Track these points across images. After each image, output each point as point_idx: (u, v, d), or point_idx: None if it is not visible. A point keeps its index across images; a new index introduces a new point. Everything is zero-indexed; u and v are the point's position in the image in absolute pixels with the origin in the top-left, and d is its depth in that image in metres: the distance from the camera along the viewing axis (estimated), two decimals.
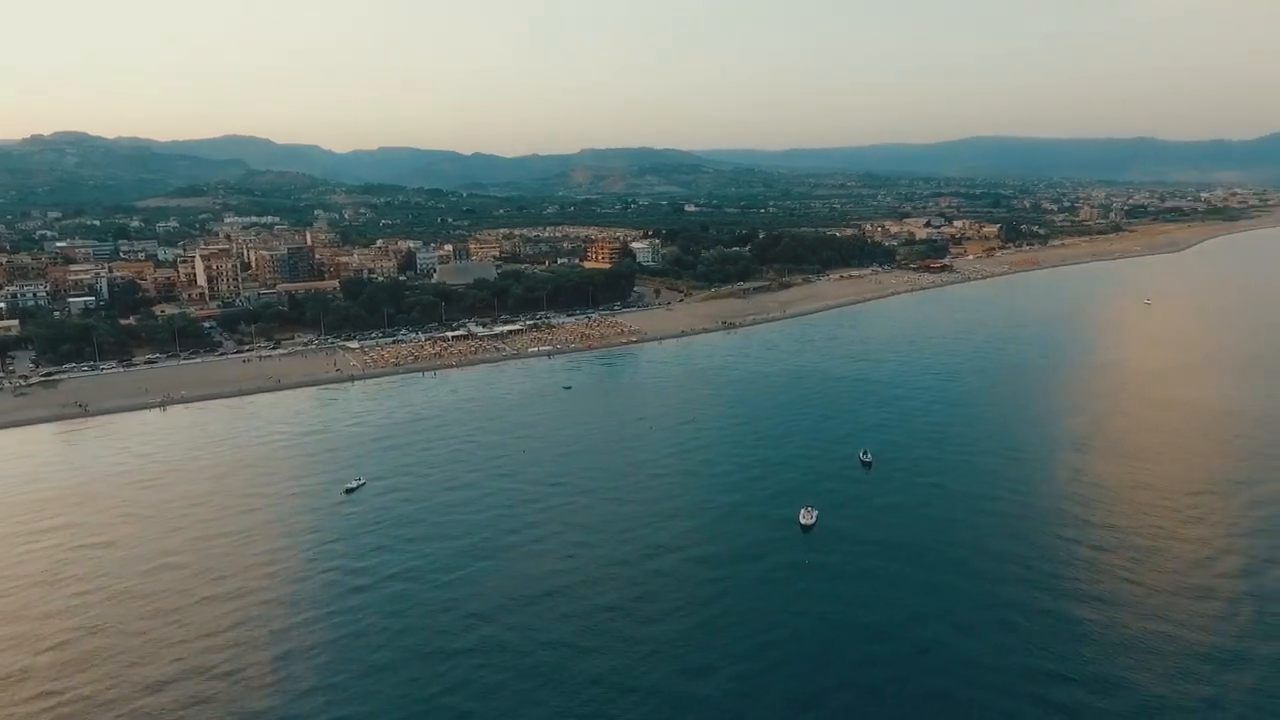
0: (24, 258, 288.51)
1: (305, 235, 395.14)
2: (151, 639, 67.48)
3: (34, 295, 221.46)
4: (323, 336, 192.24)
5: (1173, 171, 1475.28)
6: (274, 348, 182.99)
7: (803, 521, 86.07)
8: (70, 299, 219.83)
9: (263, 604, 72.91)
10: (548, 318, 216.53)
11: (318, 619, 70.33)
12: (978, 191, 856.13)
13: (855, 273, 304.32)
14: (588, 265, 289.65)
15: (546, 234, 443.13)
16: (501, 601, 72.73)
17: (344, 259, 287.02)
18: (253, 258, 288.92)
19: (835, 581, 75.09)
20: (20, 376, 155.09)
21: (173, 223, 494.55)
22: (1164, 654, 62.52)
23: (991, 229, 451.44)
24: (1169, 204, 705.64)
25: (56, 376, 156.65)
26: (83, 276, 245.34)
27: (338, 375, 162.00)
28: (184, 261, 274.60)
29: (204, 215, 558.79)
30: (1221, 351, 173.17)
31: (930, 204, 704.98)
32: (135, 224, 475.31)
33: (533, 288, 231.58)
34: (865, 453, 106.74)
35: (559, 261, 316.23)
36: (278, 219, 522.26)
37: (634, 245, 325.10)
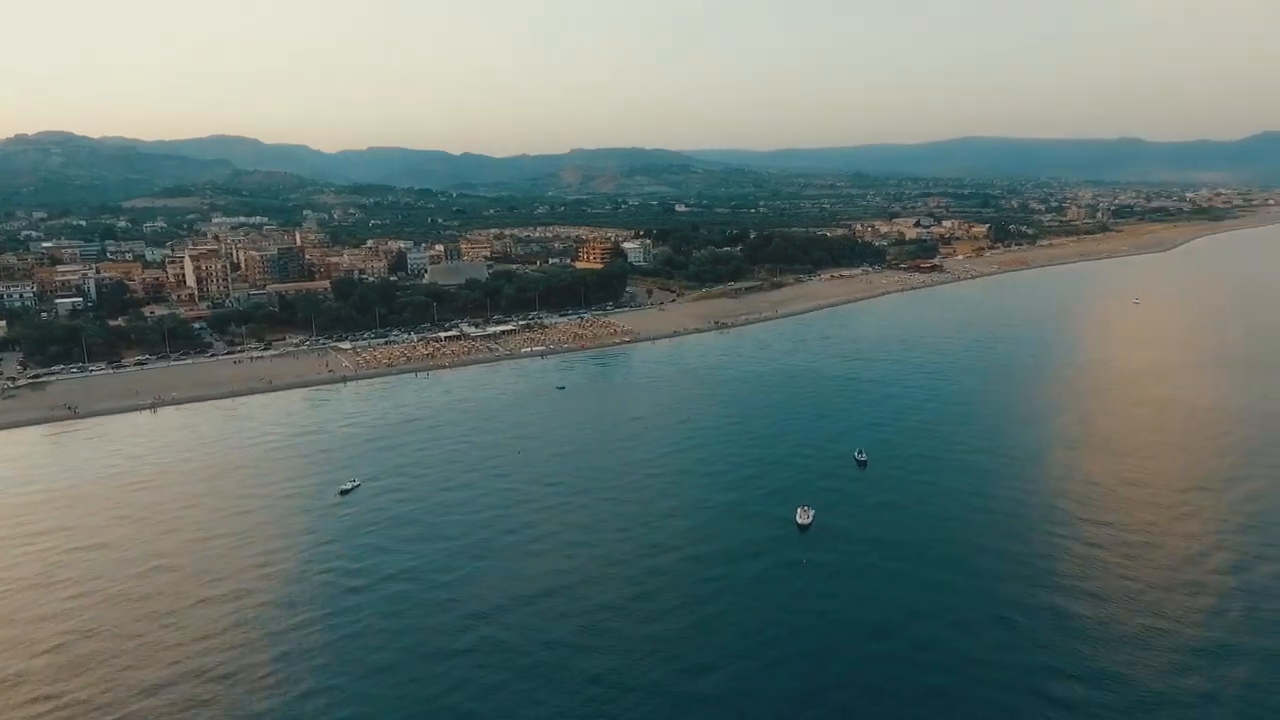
0: (9, 258, 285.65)
1: (294, 235, 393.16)
2: (148, 642, 67.02)
3: (20, 296, 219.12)
4: (314, 337, 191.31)
5: (1158, 171, 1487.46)
6: (265, 349, 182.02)
7: (799, 521, 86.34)
8: (58, 300, 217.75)
9: (259, 606, 72.55)
10: (540, 318, 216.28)
11: (315, 620, 70.04)
12: (966, 192, 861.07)
13: (846, 273, 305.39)
14: (579, 265, 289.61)
15: (537, 234, 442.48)
16: (500, 601, 72.64)
17: (334, 259, 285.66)
18: (242, 258, 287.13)
19: (833, 580, 75.41)
20: (8, 378, 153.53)
21: (160, 223, 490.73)
22: (1159, 649, 63.14)
23: (980, 229, 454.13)
24: (1155, 204, 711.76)
25: (45, 378, 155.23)
26: (70, 277, 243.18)
27: (330, 376, 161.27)
28: (172, 262, 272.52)
29: (191, 215, 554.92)
30: (1209, 350, 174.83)
31: (919, 204, 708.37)
32: (122, 224, 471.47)
33: (525, 288, 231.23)
34: (860, 452, 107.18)
35: (550, 262, 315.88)
36: (266, 219, 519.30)
37: (625, 245, 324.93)
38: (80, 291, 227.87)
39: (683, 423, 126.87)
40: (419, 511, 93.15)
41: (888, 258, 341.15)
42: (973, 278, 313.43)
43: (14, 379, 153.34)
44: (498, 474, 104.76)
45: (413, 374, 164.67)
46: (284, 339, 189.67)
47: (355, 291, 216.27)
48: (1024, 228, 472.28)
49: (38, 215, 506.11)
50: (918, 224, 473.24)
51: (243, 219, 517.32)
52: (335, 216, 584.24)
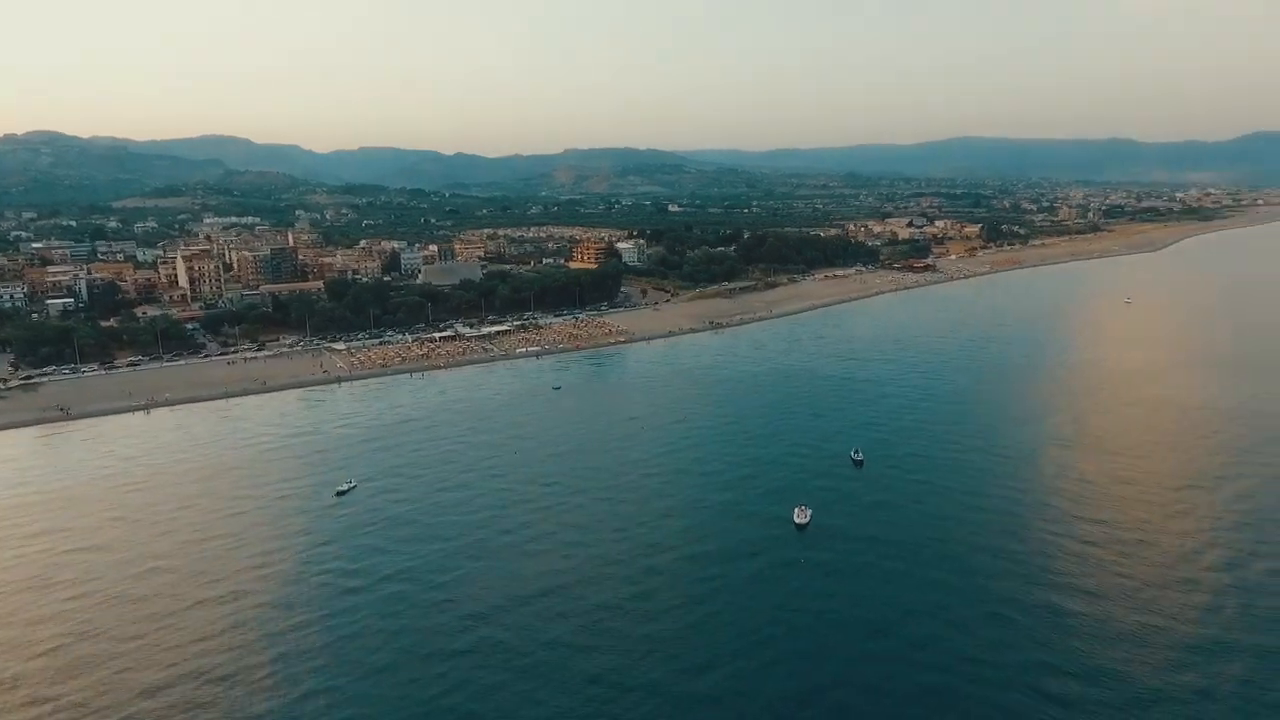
0: None
1: (287, 236, 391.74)
2: (146, 643, 66.73)
3: (11, 297, 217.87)
4: (308, 338, 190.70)
5: (1149, 172, 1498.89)
6: (259, 349, 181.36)
7: (797, 520, 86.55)
8: (49, 300, 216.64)
9: (257, 607, 72.34)
10: (535, 318, 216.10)
11: (313, 621, 69.87)
12: (958, 192, 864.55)
13: (840, 272, 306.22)
14: (573, 266, 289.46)
15: (531, 234, 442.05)
16: (499, 601, 72.62)
17: (327, 260, 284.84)
18: (234, 258, 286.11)
19: (830, 579, 75.64)
20: None
21: (151, 223, 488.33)
22: (1155, 645, 63.61)
23: (973, 229, 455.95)
24: (1145, 204, 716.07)
25: (36, 379, 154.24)
26: (61, 278, 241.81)
27: (324, 377, 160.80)
28: (164, 263, 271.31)
29: (183, 216, 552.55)
30: (1200, 350, 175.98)
31: (912, 204, 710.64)
32: (113, 224, 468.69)
33: (519, 288, 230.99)
34: (857, 451, 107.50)
35: (544, 262, 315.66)
36: (258, 219, 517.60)
37: (619, 245, 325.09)
38: (71, 292, 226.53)
39: (679, 422, 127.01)
40: (416, 512, 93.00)
41: (881, 258, 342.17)
42: (965, 277, 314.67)
43: (5, 380, 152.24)
44: (494, 474, 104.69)
45: (408, 375, 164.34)
46: (278, 339, 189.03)
47: (349, 292, 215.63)
48: (1016, 228, 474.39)
49: (27, 215, 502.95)
50: (911, 224, 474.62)
51: (235, 219, 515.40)
52: (328, 217, 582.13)
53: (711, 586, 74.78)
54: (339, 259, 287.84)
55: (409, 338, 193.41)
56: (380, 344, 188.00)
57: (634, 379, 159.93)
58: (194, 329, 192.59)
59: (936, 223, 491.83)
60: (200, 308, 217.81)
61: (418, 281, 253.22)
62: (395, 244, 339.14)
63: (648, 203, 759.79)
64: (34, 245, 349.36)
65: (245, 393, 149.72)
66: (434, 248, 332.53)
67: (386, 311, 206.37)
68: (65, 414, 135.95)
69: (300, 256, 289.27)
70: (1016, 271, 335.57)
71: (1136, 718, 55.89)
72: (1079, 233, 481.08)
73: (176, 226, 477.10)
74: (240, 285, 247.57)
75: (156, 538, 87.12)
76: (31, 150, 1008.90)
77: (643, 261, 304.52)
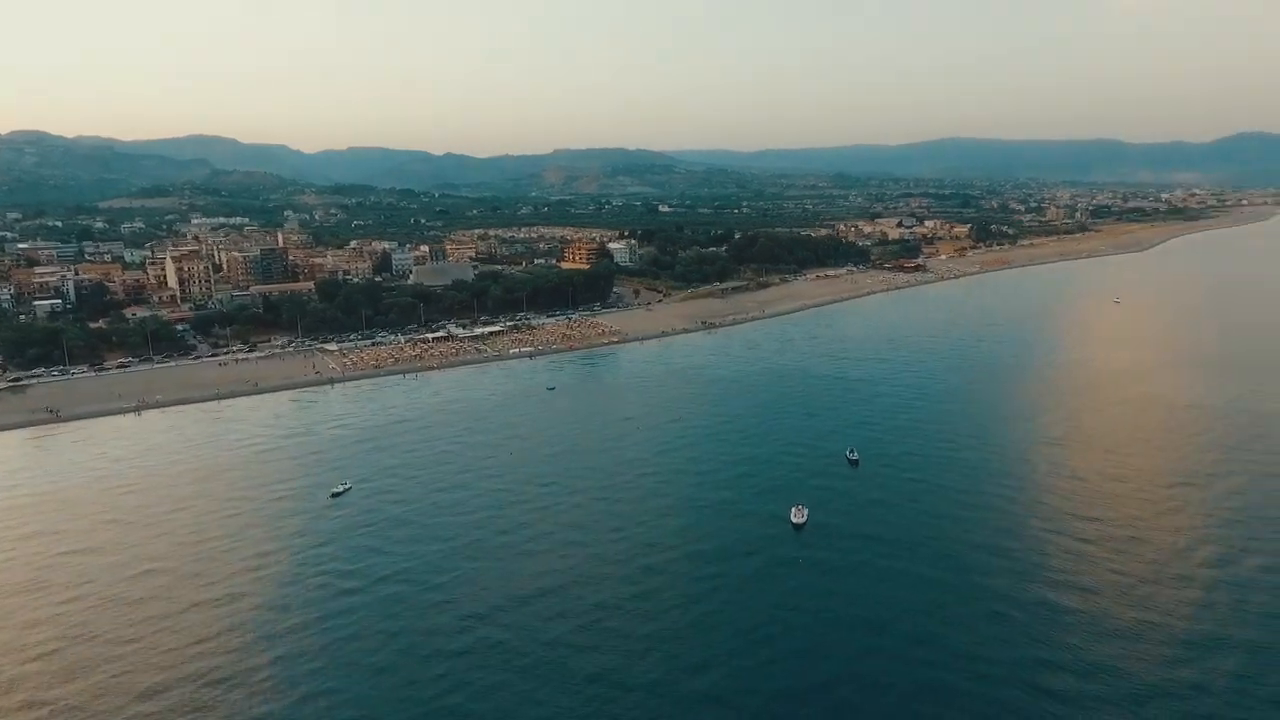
0: None
1: (277, 236, 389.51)
2: (142, 646, 66.33)
3: None
4: (300, 339, 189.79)
5: (1134, 172, 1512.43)
6: (250, 350, 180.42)
7: (794, 520, 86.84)
8: (36, 302, 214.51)
9: (255, 609, 72.02)
10: (528, 319, 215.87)
11: (312, 623, 69.63)
12: (946, 192, 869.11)
13: (831, 272, 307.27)
14: (565, 266, 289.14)
15: (522, 234, 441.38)
16: (497, 601, 72.59)
17: (318, 260, 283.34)
18: (224, 259, 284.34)
19: (827, 577, 75.98)
20: None
21: (138, 224, 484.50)
22: (1151, 641, 64.26)
23: (962, 229, 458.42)
24: (1131, 204, 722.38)
25: (25, 381, 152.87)
26: (48, 279, 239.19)
27: (317, 378, 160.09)
28: (153, 263, 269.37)
29: (170, 216, 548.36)
30: (1189, 350, 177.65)
31: (901, 204, 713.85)
32: (99, 225, 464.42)
33: (512, 289, 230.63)
34: (852, 450, 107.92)
35: (536, 262, 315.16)
36: (247, 220, 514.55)
37: (611, 246, 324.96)
38: (59, 293, 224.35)
39: (674, 422, 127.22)
40: (412, 513, 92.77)
41: (872, 258, 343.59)
42: (956, 277, 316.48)
43: None
44: (490, 475, 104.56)
45: (401, 375, 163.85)
46: (269, 340, 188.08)
47: (341, 293, 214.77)
48: (1005, 228, 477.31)
49: (12, 216, 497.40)
50: (900, 224, 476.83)
51: (223, 219, 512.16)
52: (317, 217, 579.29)
53: (710, 585, 74.98)
54: (330, 259, 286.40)
55: (401, 339, 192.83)
56: (373, 345, 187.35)
57: (628, 379, 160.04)
58: (184, 330, 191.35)
59: (926, 223, 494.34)
60: (190, 309, 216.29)
61: (409, 282, 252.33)
62: (386, 244, 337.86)
63: (638, 203, 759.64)
64: (20, 246, 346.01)
65: (237, 394, 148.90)
66: (425, 248, 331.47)
67: (379, 312, 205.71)
68: (55, 416, 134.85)
69: (290, 257, 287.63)
70: (1006, 271, 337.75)
71: (1133, 712, 56.45)
72: (1067, 233, 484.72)
73: (164, 227, 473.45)
74: (230, 286, 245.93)
75: (151, 540, 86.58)
76: (15, 150, 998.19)
77: (634, 262, 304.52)
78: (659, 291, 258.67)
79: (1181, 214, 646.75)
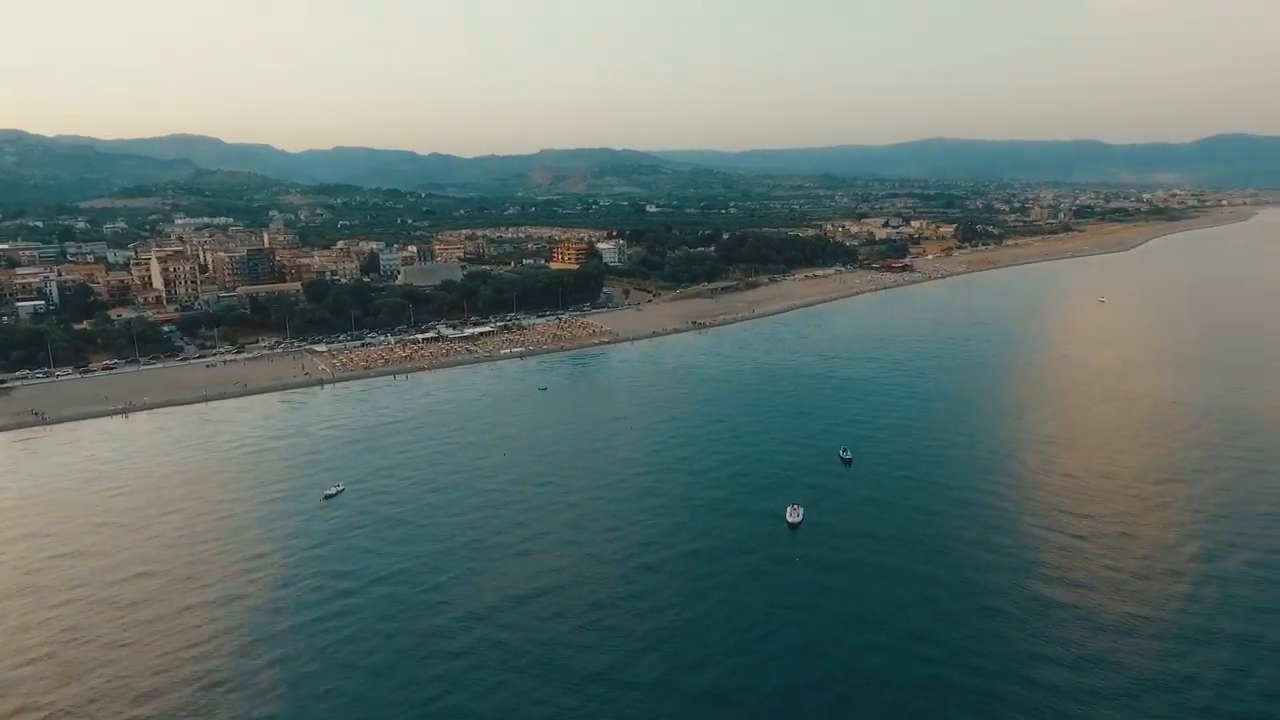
0: None
1: (263, 236, 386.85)
2: (137, 649, 65.78)
3: None
4: (288, 340, 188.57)
5: (1116, 173, 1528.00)
6: (237, 352, 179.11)
7: (790, 519, 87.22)
8: (18, 303, 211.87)
9: (250, 611, 71.59)
10: (518, 319, 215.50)
11: (308, 624, 69.31)
12: (931, 192, 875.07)
13: (819, 272, 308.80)
14: (554, 266, 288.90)
15: (509, 235, 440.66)
16: (494, 601, 72.54)
17: (305, 261, 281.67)
18: (209, 259, 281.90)
19: (823, 575, 76.46)
20: None
21: (121, 224, 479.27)
22: (1143, 635, 65.15)
23: (948, 229, 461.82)
24: (1114, 204, 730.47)
25: (9, 384, 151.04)
26: (30, 280, 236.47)
27: (306, 379, 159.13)
28: (138, 264, 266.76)
29: (153, 216, 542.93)
30: (1173, 348, 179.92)
31: (886, 205, 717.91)
32: (81, 225, 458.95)
33: (501, 289, 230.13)
34: (845, 450, 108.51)
35: (524, 262, 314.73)
36: (231, 220, 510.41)
37: (600, 246, 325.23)
38: (42, 294, 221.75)
39: (666, 421, 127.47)
40: (406, 514, 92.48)
41: (859, 258, 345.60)
42: (942, 277, 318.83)
43: None
44: (484, 475, 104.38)
45: (391, 376, 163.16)
46: (257, 341, 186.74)
47: (329, 293, 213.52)
48: (990, 228, 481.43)
49: None
50: (887, 224, 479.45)
51: (207, 220, 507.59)
52: (303, 217, 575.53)
53: (707, 583, 75.27)
54: (317, 260, 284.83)
55: (391, 339, 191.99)
56: (362, 346, 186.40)
57: (619, 379, 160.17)
58: (170, 331, 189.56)
59: (912, 223, 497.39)
60: (176, 310, 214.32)
61: (398, 282, 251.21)
62: (373, 245, 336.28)
63: (625, 203, 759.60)
64: (0, 246, 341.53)
65: (226, 396, 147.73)
66: (413, 248, 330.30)
67: (367, 313, 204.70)
68: (40, 419, 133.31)
69: (277, 257, 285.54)
70: (992, 271, 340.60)
71: (1127, 705, 57.22)
72: (1051, 233, 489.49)
73: (147, 227, 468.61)
74: (216, 287, 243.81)
75: (143, 542, 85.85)
76: None
77: (624, 262, 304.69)
78: (649, 291, 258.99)
79: (1163, 214, 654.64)
